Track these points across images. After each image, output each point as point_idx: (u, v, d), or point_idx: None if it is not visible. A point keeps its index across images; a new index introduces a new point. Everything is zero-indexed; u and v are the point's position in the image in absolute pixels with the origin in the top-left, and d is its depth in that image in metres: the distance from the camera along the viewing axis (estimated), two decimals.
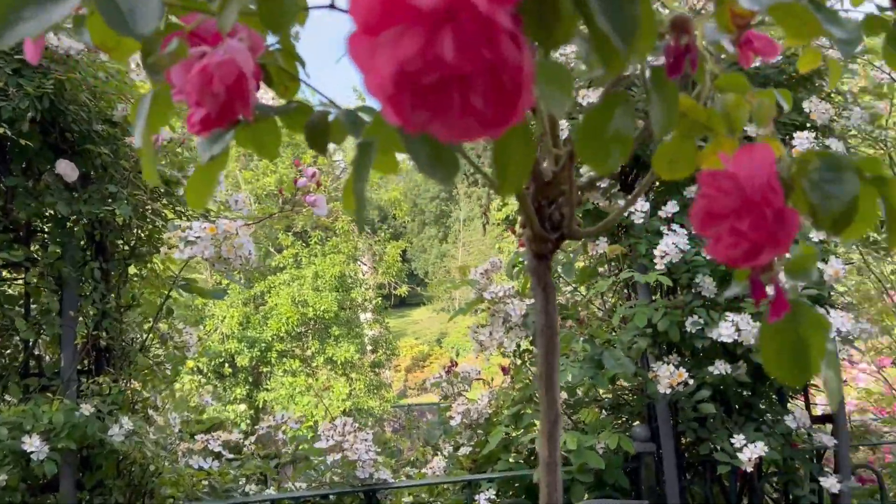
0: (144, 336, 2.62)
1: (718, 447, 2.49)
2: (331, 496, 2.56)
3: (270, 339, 12.11)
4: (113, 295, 2.47)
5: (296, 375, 11.99)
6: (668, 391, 2.44)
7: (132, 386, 2.53)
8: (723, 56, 0.71)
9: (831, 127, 2.63)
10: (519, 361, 2.89)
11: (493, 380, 3.22)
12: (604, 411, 2.88)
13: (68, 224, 2.40)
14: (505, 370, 3.00)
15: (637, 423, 2.79)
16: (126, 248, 2.59)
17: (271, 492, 2.77)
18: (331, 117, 0.54)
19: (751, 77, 1.22)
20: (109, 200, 2.38)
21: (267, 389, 12.11)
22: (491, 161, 0.42)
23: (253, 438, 2.98)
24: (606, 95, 0.50)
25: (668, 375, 2.46)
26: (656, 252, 2.48)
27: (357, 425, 2.64)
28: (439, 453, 3.11)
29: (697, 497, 2.74)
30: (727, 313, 2.42)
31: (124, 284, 2.58)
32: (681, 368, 2.48)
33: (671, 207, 2.59)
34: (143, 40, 0.54)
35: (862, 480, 3.08)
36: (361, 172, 0.44)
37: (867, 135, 2.67)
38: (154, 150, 0.53)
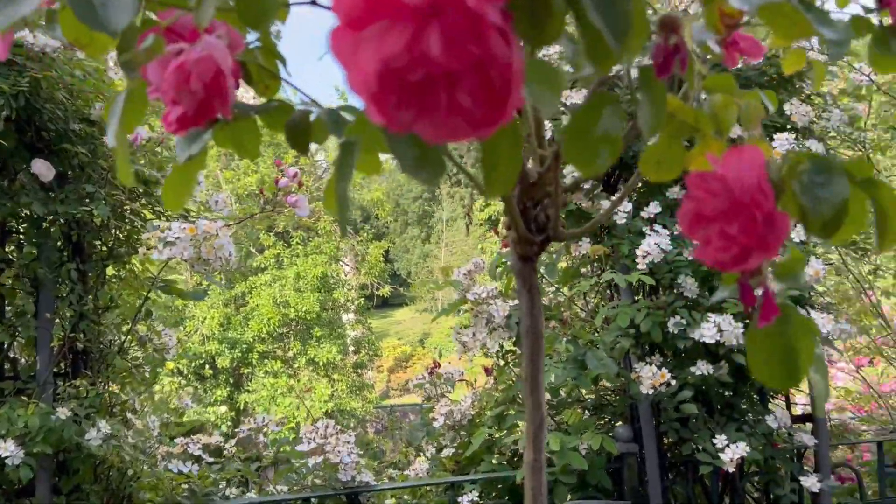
0: (123, 338, 2.58)
1: (700, 447, 2.50)
2: (312, 499, 2.54)
3: (251, 340, 12.03)
4: (90, 296, 2.43)
5: (277, 377, 11.92)
6: (651, 392, 2.45)
7: (110, 389, 2.49)
8: (708, 57, 0.70)
9: (811, 129, 2.65)
10: (502, 362, 2.88)
11: (476, 381, 3.21)
12: (587, 412, 2.88)
13: (44, 224, 2.36)
14: (488, 371, 3.00)
15: (620, 423, 2.79)
16: (104, 248, 2.55)
17: (252, 495, 2.74)
18: (312, 116, 0.53)
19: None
20: (87, 200, 2.34)
21: (248, 391, 12.02)
22: (478, 162, 0.40)
23: (233, 441, 2.95)
24: (594, 95, 0.49)
25: (651, 376, 2.46)
26: (638, 252, 2.48)
27: (339, 427, 2.62)
28: (422, 454, 3.10)
29: (679, 497, 2.75)
30: (709, 314, 2.43)
31: (102, 286, 2.54)
32: (663, 369, 2.48)
33: (653, 208, 2.60)
34: (118, 36, 0.53)
35: (841, 479, 3.11)
36: (344, 173, 0.43)
37: (846, 136, 2.69)
38: (128, 150, 0.52)
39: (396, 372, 20.75)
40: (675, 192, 2.65)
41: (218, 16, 0.51)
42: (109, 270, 2.61)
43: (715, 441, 2.43)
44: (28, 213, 2.36)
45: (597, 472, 2.58)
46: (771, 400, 2.85)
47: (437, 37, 0.30)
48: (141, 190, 2.50)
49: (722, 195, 0.48)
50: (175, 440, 2.80)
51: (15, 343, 2.39)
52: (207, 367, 12.02)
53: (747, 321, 2.56)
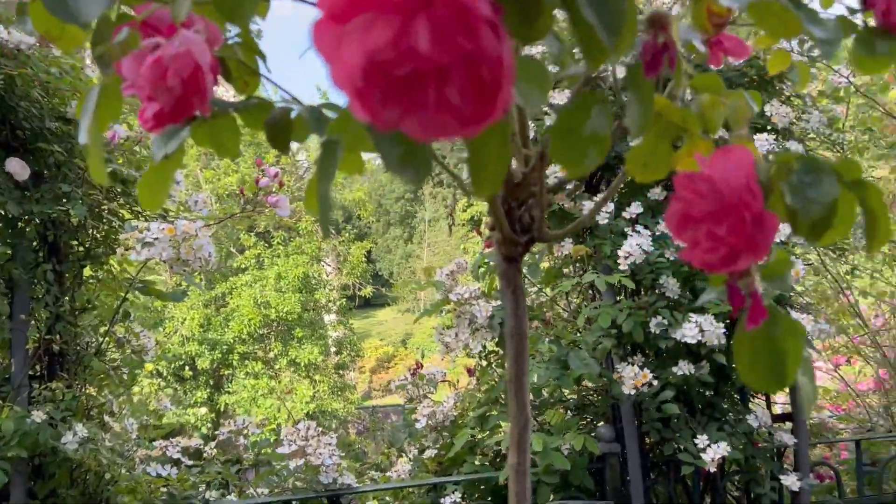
0: (100, 340, 2.54)
1: (682, 447, 2.51)
2: (293, 502, 2.52)
3: (232, 341, 11.93)
4: (67, 298, 2.39)
5: (258, 378, 11.84)
6: (633, 392, 2.45)
7: (87, 391, 2.45)
8: (692, 56, 0.70)
9: (791, 130, 2.68)
10: (485, 363, 2.87)
11: (458, 381, 3.20)
12: (569, 412, 2.88)
13: (19, 224, 2.32)
14: (470, 372, 2.99)
15: (602, 423, 2.79)
16: (81, 249, 2.51)
17: (233, 498, 2.71)
18: (293, 114, 0.52)
19: None
20: (63, 200, 2.30)
21: (228, 392, 11.93)
22: (465, 162, 0.39)
23: (214, 444, 2.92)
24: (581, 95, 0.48)
25: (633, 376, 2.47)
26: (620, 253, 2.49)
27: (321, 429, 2.60)
28: (404, 455, 3.08)
29: (661, 497, 2.76)
30: (690, 314, 2.44)
31: (79, 287, 2.50)
32: (645, 369, 2.49)
33: (635, 209, 2.61)
34: (91, 29, 0.51)
35: (820, 477, 3.14)
36: (326, 172, 0.42)
37: (825, 138, 2.72)
38: (102, 148, 0.50)
39: (378, 373, 20.70)
40: (656, 193, 2.66)
41: (196, 10, 0.50)
42: (86, 271, 2.57)
43: (696, 441, 2.45)
44: (2, 212, 2.31)
45: (579, 473, 2.58)
46: (751, 399, 2.87)
47: (424, 30, 0.29)
48: (119, 190, 2.47)
49: (710, 196, 0.47)
50: (154, 443, 2.76)
51: None
52: (187, 368, 11.91)
53: (728, 321, 2.59)
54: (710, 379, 2.53)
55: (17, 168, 2.20)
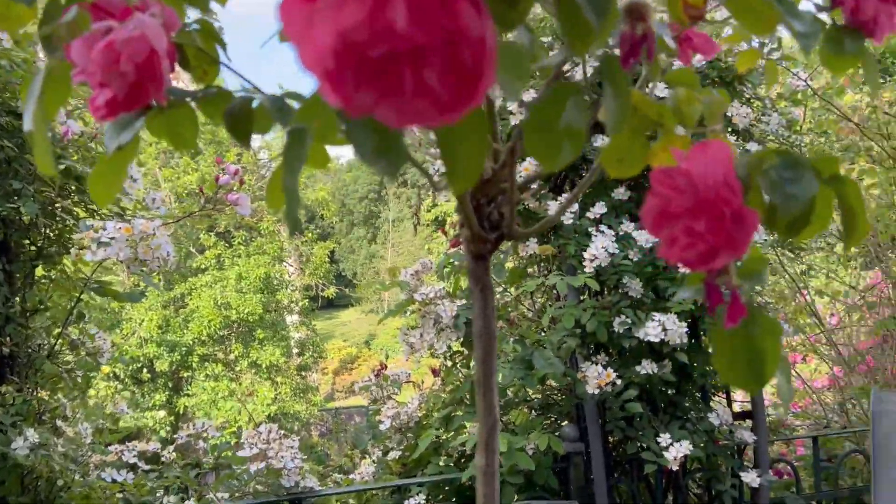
0: (53, 342, 2.46)
1: (645, 446, 2.53)
2: None
3: (192, 342, 11.73)
4: (17, 298, 2.31)
5: (218, 380, 11.65)
6: (597, 391, 2.46)
7: (38, 395, 2.37)
8: (662, 54, 0.69)
9: (751, 131, 2.71)
10: (450, 363, 2.86)
11: (423, 382, 3.18)
12: (533, 412, 2.88)
13: None
14: (435, 372, 2.97)
15: (566, 423, 2.80)
16: (32, 248, 2.42)
17: (192, 503, 2.64)
18: (254, 104, 0.49)
19: None
20: (14, 198, 2.22)
21: (188, 395, 11.72)
22: (441, 153, 0.37)
23: (172, 447, 2.85)
24: (556, 87, 0.47)
25: (597, 376, 2.47)
26: (586, 255, 2.50)
27: (282, 432, 2.56)
28: (368, 457, 3.05)
29: (624, 495, 2.78)
30: (654, 313, 2.46)
31: (30, 287, 2.42)
32: (609, 369, 2.50)
33: (599, 209, 2.62)
34: (43, 10, 0.48)
35: (778, 474, 3.20)
36: (293, 163, 0.39)
37: (785, 140, 2.77)
38: (48, 136, 0.47)
39: (342, 374, 20.56)
40: (620, 193, 2.67)
41: None
42: (39, 271, 2.49)
43: (659, 440, 2.46)
44: None
45: (544, 472, 2.58)
46: (712, 398, 2.91)
47: (401, 7, 0.26)
48: (73, 187, 2.39)
49: (688, 191, 0.46)
50: (109, 448, 2.69)
51: None
52: (145, 370, 11.68)
53: (690, 320, 2.61)
54: (672, 378, 2.55)
55: None
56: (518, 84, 0.35)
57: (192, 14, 0.59)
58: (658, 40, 0.64)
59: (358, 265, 31.45)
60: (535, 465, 2.48)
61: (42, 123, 0.45)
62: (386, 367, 3.19)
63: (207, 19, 0.57)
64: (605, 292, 2.72)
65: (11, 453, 2.06)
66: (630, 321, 2.51)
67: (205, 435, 2.88)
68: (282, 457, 2.41)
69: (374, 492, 2.80)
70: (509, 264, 2.88)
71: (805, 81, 3.09)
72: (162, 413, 11.50)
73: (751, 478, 2.56)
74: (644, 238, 2.54)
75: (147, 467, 2.61)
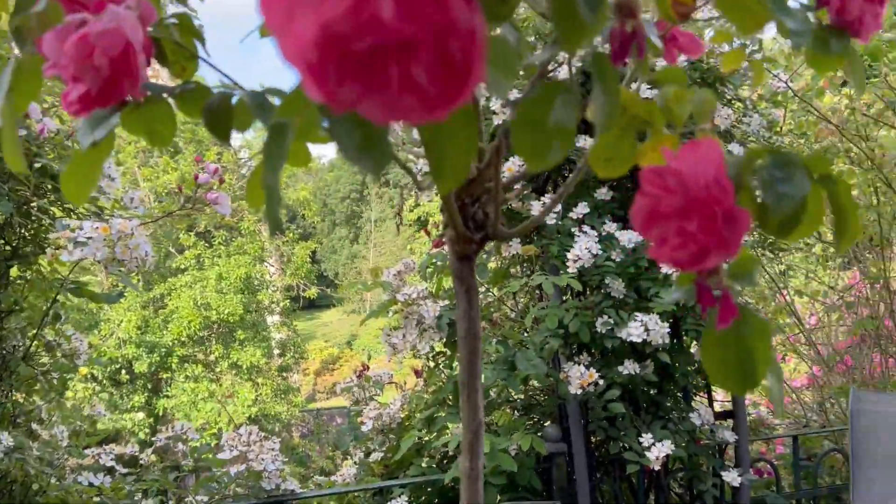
0: (28, 343, 2.41)
1: (627, 446, 2.53)
2: None
3: (171, 343, 11.61)
4: None
5: (198, 381, 11.55)
6: (579, 392, 2.46)
7: (13, 398, 2.33)
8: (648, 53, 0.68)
9: (732, 132, 2.73)
10: (432, 364, 2.85)
11: (405, 383, 3.17)
12: (516, 412, 2.88)
13: None
14: (418, 373, 2.96)
15: (549, 423, 2.80)
16: (8, 248, 2.38)
17: None
18: (234, 100, 0.47)
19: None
20: None
21: (167, 396, 11.61)
22: (426, 151, 0.36)
23: (150, 450, 2.81)
24: (545, 84, 0.46)
25: (580, 376, 2.48)
26: (570, 256, 2.50)
27: (263, 434, 2.53)
28: (350, 458, 3.03)
29: (607, 495, 2.78)
30: (636, 313, 2.47)
31: (5, 288, 2.37)
32: (591, 369, 2.50)
33: (582, 209, 2.62)
34: (15, 1, 0.46)
35: (759, 473, 3.22)
36: (274, 162, 0.38)
37: (766, 141, 2.78)
38: (17, 131, 0.45)
39: (323, 374, 20.47)
40: (602, 193, 2.68)
41: None
42: (14, 271, 2.44)
43: (641, 440, 2.47)
44: None
45: (526, 473, 2.58)
46: (693, 397, 2.92)
47: None
48: (49, 186, 2.35)
49: (679, 191, 0.45)
50: (86, 451, 2.64)
51: None
52: (124, 372, 11.55)
53: (671, 320, 2.62)
54: (654, 378, 2.56)
55: None
56: (506, 81, 0.34)
57: (173, 8, 0.57)
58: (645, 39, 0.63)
59: (340, 265, 31.34)
60: (518, 466, 2.48)
61: (11, 119, 0.44)
62: (368, 367, 3.17)
63: (186, 13, 0.55)
64: (588, 293, 2.72)
65: None
66: (613, 321, 2.51)
67: (184, 437, 2.84)
68: (262, 459, 2.38)
69: (355, 494, 2.78)
70: (492, 264, 2.87)
71: (785, 83, 3.11)
72: (141, 415, 11.38)
73: (732, 477, 2.57)
74: (626, 238, 2.54)
75: (125, 471, 2.57)
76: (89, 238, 2.11)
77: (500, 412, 2.77)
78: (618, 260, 2.56)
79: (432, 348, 2.69)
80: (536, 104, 0.45)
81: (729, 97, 2.80)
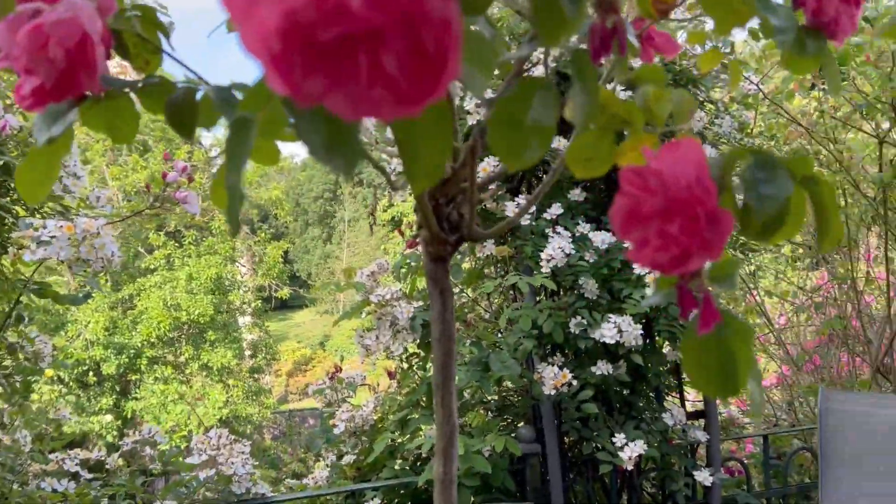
0: None
1: (600, 446, 2.53)
2: None
3: (140, 344, 11.43)
4: None
5: (168, 383, 11.39)
6: (553, 392, 2.46)
7: None
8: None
9: (704, 134, 2.75)
10: (406, 366, 2.83)
11: (378, 385, 3.14)
12: (490, 414, 2.87)
13: None
14: (391, 375, 2.93)
15: (522, 424, 2.79)
16: None
17: None
18: (198, 95, 0.45)
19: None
20: None
21: (136, 398, 11.43)
22: (399, 149, 0.34)
23: (118, 454, 2.75)
24: (523, 81, 0.44)
25: (553, 377, 2.47)
26: (543, 255, 2.49)
27: (233, 437, 2.49)
28: (322, 461, 3.00)
29: (580, 496, 2.78)
30: (609, 314, 2.47)
31: None
32: (565, 369, 2.50)
33: (556, 210, 2.62)
34: None
35: (730, 472, 3.25)
36: (236, 160, 0.36)
37: (737, 143, 2.81)
38: None
39: (296, 376, 20.31)
40: (576, 195, 2.68)
41: None
42: None
43: (614, 440, 2.47)
44: None
45: (500, 474, 2.57)
46: (666, 398, 2.94)
47: None
48: (12, 184, 2.29)
49: (660, 192, 0.44)
50: (50, 455, 2.58)
51: None
52: (91, 374, 11.34)
53: (644, 321, 2.63)
54: (627, 378, 2.57)
55: None
56: (482, 77, 0.32)
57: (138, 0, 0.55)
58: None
59: (312, 265, 31.14)
60: (492, 468, 2.47)
61: None
62: (341, 369, 3.14)
63: (149, 5, 0.53)
64: (562, 293, 2.72)
65: None
66: (586, 322, 2.51)
67: (153, 441, 2.79)
68: (232, 463, 2.35)
69: (327, 497, 2.75)
70: (466, 265, 2.86)
71: (756, 85, 3.15)
72: (109, 417, 11.18)
73: (703, 476, 2.59)
74: (600, 239, 2.55)
75: (90, 476, 2.52)
76: (53, 237, 2.05)
77: (473, 413, 2.76)
78: (591, 261, 2.56)
79: (406, 350, 2.67)
80: (514, 102, 0.44)
81: (701, 99, 2.82)
